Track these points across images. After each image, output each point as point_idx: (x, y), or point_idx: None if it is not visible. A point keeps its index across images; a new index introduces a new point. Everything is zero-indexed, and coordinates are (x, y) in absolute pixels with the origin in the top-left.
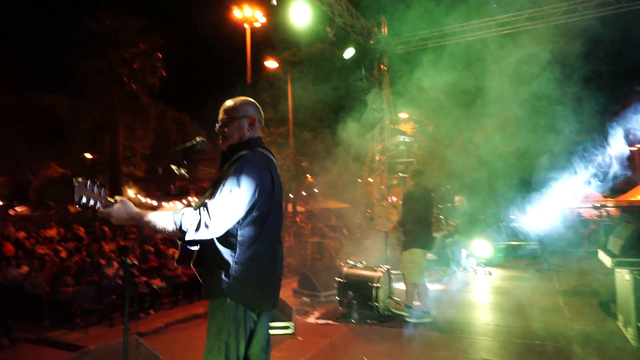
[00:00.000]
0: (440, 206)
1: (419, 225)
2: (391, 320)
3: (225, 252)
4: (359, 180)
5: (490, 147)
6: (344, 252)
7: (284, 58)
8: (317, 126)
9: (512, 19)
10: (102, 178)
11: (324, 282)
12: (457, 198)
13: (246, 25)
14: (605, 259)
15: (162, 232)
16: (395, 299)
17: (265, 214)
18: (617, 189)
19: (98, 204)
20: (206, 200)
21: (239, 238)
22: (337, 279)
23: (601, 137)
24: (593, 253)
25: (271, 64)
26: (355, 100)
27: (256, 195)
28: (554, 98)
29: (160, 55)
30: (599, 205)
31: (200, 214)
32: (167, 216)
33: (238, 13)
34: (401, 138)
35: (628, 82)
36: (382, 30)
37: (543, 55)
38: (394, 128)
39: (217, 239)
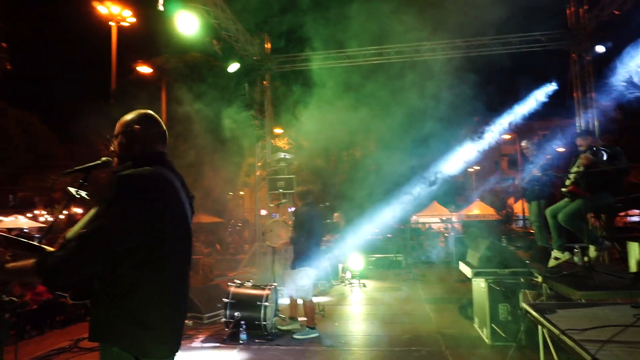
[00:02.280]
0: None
1: (311, 244)
2: (279, 338)
3: (114, 288)
4: (230, 193)
5: (359, 166)
6: (218, 269)
7: (159, 64)
8: (192, 137)
9: (384, 50)
10: None
11: (207, 302)
12: (335, 215)
13: (112, 23)
14: (465, 269)
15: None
16: (281, 315)
17: (160, 241)
18: (459, 204)
19: None
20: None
21: (128, 271)
22: (224, 299)
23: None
24: (447, 263)
25: (144, 69)
26: (237, 115)
27: (137, 222)
28: (413, 124)
29: (5, 45)
30: (445, 218)
31: (59, 252)
32: (28, 264)
33: (103, 9)
34: (281, 155)
35: (469, 115)
36: (266, 46)
37: (409, 85)
38: (273, 144)
39: (107, 272)
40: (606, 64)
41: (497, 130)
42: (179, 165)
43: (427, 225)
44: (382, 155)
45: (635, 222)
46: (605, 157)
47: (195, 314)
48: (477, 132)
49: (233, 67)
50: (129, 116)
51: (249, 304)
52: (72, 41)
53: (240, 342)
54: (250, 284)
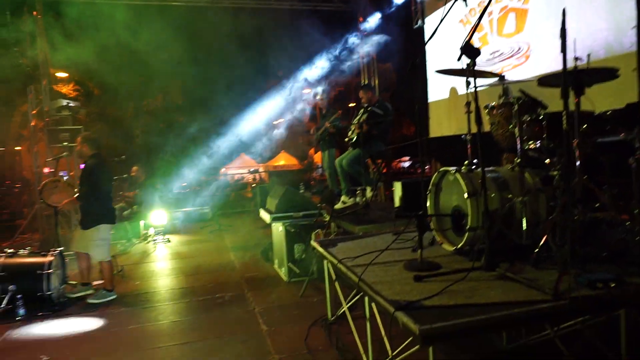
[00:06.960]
0: (115, 177)
1: (103, 200)
2: (69, 307)
3: None
4: (2, 149)
5: (161, 116)
6: None
7: None
8: None
9: None
10: None
11: None
12: (133, 168)
13: None
14: (265, 215)
15: None
16: (71, 282)
17: None
18: (266, 156)
19: None
20: None
21: None
22: None
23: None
24: (254, 212)
25: None
26: None
27: None
28: (218, 74)
29: None
30: (253, 170)
31: None
32: None
33: None
34: (64, 102)
35: (272, 68)
36: None
37: (212, 33)
38: (54, 89)
39: None
40: (383, 30)
41: (299, 84)
42: None
43: (235, 177)
44: (186, 105)
45: (405, 167)
46: (375, 115)
47: None
48: (280, 85)
49: None
50: None
51: (25, 274)
52: None
53: (17, 318)
54: (26, 251)
